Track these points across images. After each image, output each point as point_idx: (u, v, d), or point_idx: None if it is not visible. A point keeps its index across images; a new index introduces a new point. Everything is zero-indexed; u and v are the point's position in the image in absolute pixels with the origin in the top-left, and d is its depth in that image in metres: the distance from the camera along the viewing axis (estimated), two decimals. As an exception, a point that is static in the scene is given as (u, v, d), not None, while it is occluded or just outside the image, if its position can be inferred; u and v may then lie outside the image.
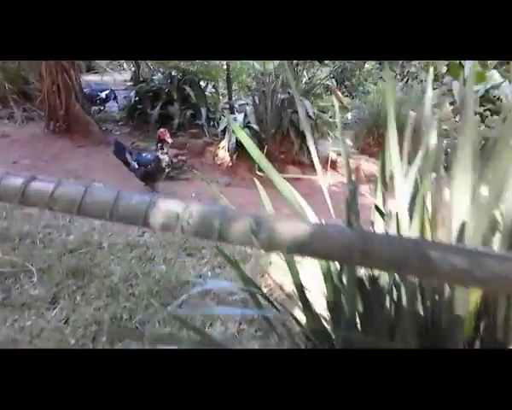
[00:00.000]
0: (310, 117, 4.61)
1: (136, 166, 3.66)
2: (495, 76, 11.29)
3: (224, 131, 4.67)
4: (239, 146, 4.57)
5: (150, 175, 3.65)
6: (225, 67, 5.37)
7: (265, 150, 4.56)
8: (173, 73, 5.79)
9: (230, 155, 4.56)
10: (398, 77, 10.27)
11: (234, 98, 5.66)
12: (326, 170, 5.00)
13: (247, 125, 4.59)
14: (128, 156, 3.73)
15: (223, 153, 4.73)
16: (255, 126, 4.58)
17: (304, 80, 5.02)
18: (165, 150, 3.64)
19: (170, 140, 3.65)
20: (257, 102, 4.79)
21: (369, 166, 4.98)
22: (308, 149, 4.92)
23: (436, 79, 9.85)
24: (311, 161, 4.95)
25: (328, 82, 4.97)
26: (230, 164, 4.61)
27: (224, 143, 4.65)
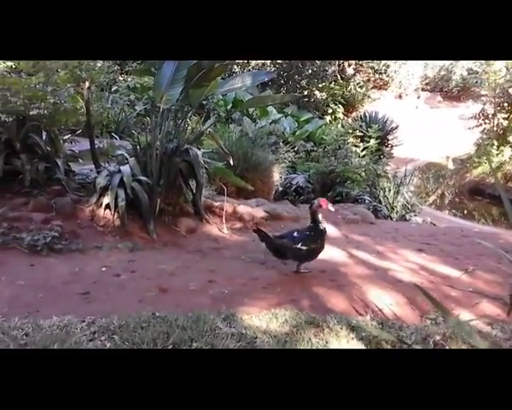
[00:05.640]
0: (201, 165, 4.40)
1: (304, 248, 3.13)
2: (274, 111, 13.00)
3: (107, 186, 4.01)
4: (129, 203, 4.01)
5: (316, 252, 3.21)
6: (83, 110, 4.63)
7: (159, 204, 4.16)
8: (5, 118, 4.66)
9: (121, 215, 3.94)
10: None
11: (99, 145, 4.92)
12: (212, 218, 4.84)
13: (135, 179, 4.06)
14: (279, 241, 3.20)
15: (103, 212, 4.06)
16: (144, 178, 4.09)
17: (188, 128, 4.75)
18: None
19: (332, 208, 3.28)
20: (139, 151, 4.29)
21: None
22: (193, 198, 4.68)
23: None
24: (195, 211, 4.73)
25: (209, 130, 4.85)
26: (119, 224, 3.99)
27: (107, 200, 3.99)
